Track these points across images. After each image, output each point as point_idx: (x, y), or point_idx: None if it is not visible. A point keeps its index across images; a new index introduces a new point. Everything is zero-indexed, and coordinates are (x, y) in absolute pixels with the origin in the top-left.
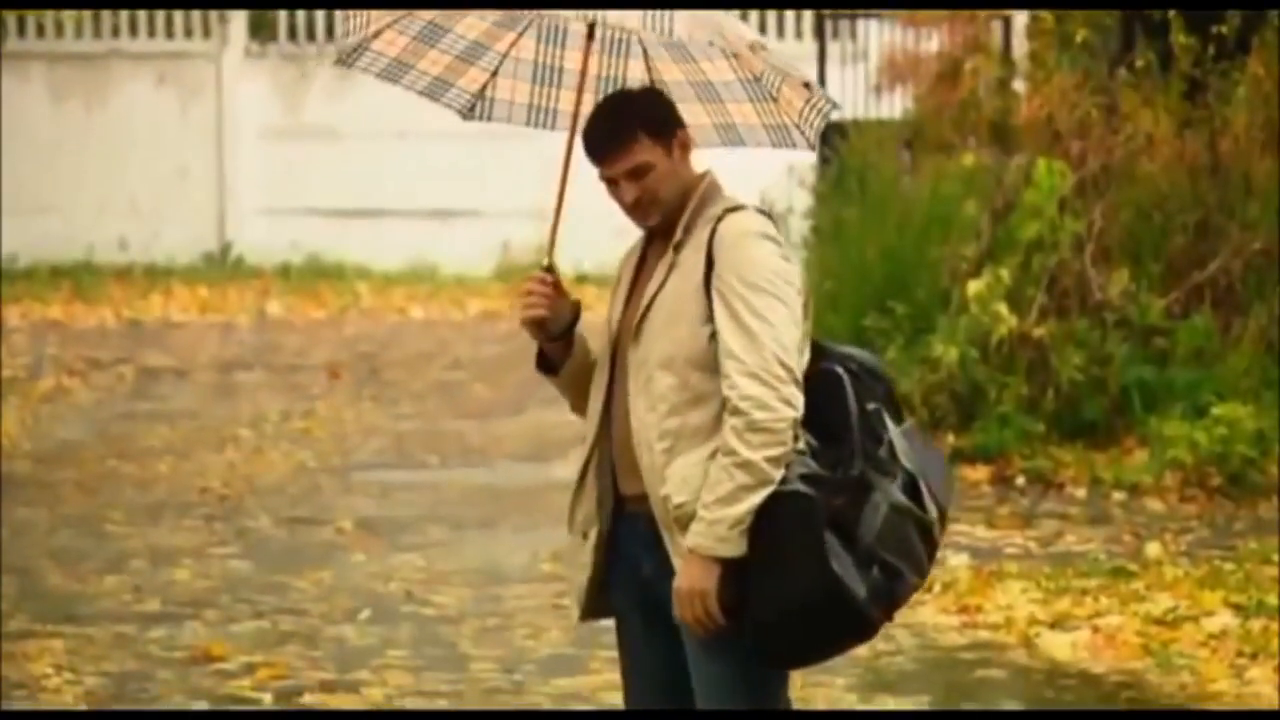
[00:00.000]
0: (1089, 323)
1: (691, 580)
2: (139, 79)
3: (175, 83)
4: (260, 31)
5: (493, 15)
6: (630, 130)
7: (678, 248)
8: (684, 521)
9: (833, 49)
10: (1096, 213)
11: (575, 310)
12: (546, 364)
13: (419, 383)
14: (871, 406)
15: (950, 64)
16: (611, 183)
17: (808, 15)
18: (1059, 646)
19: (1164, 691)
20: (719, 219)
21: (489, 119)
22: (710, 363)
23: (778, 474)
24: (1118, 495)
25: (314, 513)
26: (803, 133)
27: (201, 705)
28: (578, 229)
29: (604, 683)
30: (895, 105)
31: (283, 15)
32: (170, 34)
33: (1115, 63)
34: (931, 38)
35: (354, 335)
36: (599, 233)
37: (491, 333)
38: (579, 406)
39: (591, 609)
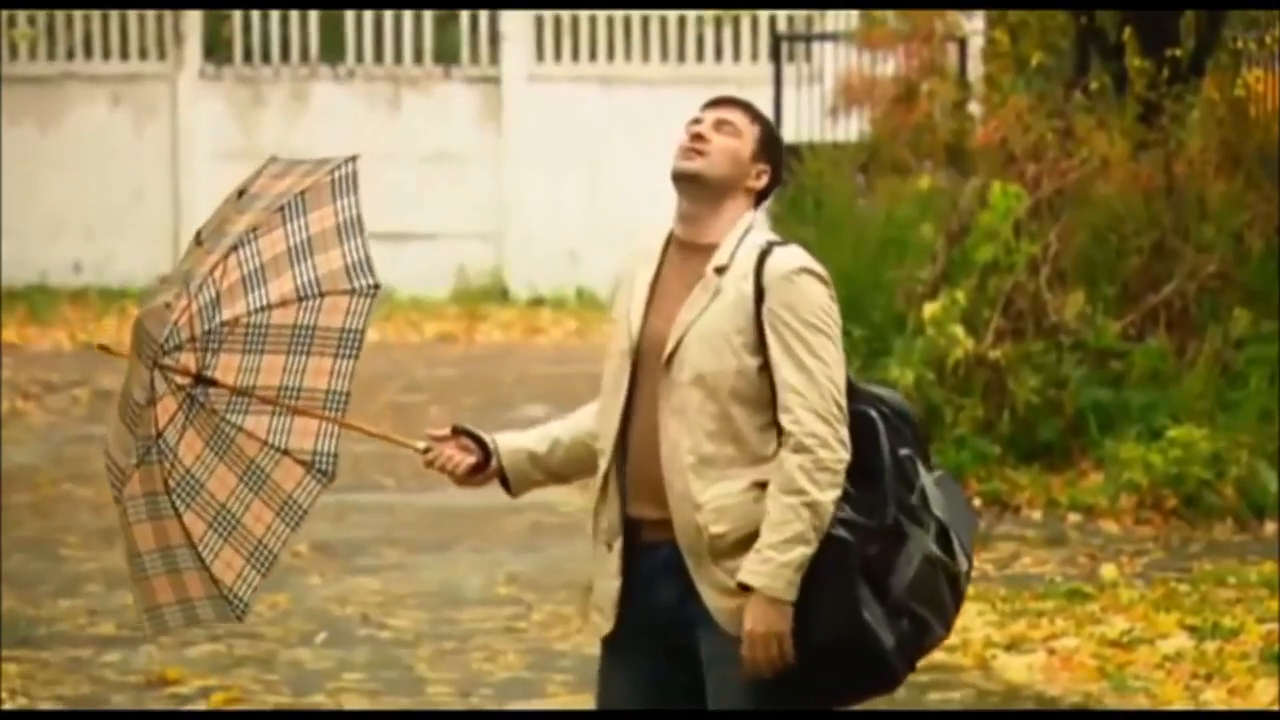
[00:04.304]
0: (1045, 345)
1: (768, 624)
2: (93, 101)
3: (130, 105)
4: (215, 54)
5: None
6: (754, 118)
7: (720, 271)
8: (719, 552)
9: (789, 71)
10: (1052, 235)
11: (477, 438)
12: (507, 484)
13: (374, 405)
14: (904, 452)
15: (906, 87)
16: (698, 125)
17: (764, 37)
18: (1015, 669)
19: (1119, 709)
20: (765, 251)
21: (247, 609)
22: (754, 396)
23: (831, 516)
24: (1073, 517)
25: None
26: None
27: None
28: (532, 254)
29: (559, 706)
30: (851, 128)
31: (238, 37)
32: (125, 56)
33: (1070, 86)
34: (887, 61)
35: None
36: (555, 258)
37: (447, 355)
38: (571, 479)
39: (623, 617)
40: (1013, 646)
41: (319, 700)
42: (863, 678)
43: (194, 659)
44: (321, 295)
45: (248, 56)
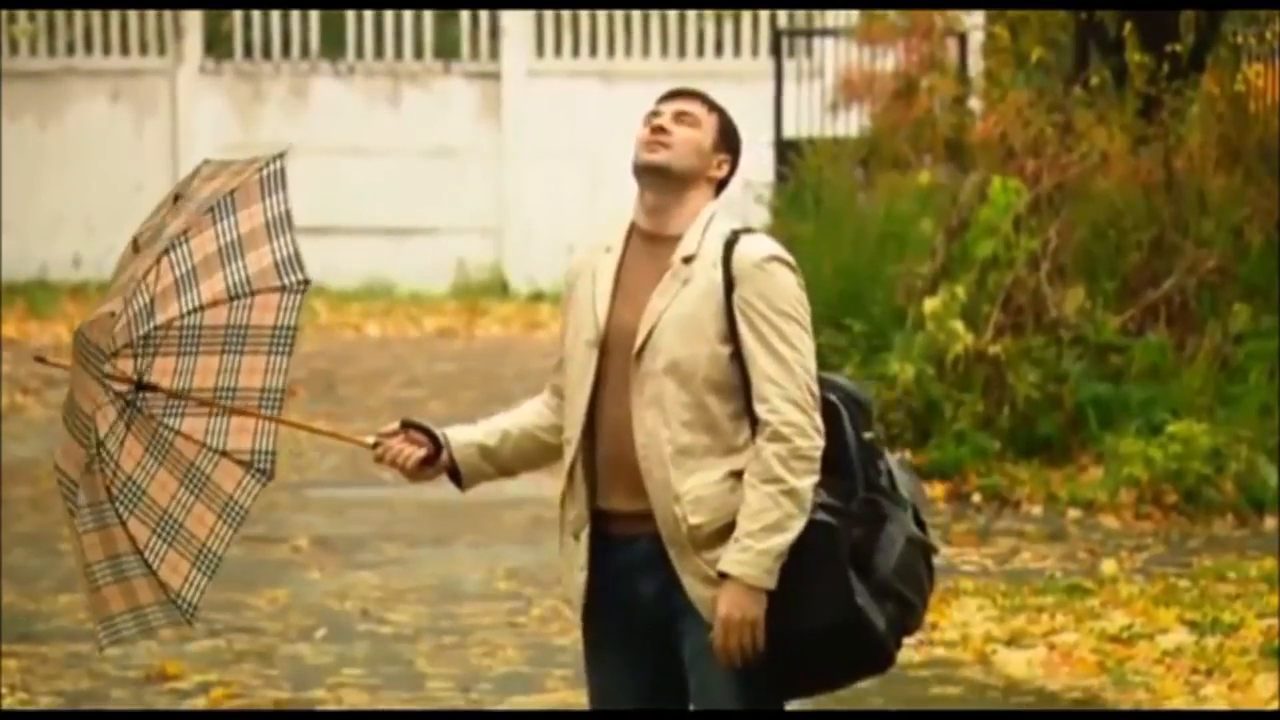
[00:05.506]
0: (1044, 340)
1: (743, 610)
2: (94, 96)
3: (130, 100)
4: (215, 49)
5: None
6: (711, 108)
7: (688, 260)
8: (699, 542)
9: (789, 66)
10: (1051, 230)
11: (427, 432)
12: (458, 478)
13: (374, 400)
14: (868, 436)
15: (906, 82)
16: (658, 118)
17: (764, 32)
18: (1015, 664)
19: (1120, 709)
20: (732, 240)
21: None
22: (725, 384)
23: (811, 502)
24: (1073, 512)
25: (269, 530)
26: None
27: None
28: (532, 249)
29: (559, 701)
30: (851, 123)
31: (238, 31)
32: (125, 51)
33: (1070, 81)
34: (887, 56)
35: (310, 352)
36: (554, 253)
37: (447, 350)
38: (518, 472)
39: (593, 608)
40: (1013, 641)
41: (319, 695)
42: (856, 661)
43: (194, 654)
44: (253, 294)
45: (248, 52)
